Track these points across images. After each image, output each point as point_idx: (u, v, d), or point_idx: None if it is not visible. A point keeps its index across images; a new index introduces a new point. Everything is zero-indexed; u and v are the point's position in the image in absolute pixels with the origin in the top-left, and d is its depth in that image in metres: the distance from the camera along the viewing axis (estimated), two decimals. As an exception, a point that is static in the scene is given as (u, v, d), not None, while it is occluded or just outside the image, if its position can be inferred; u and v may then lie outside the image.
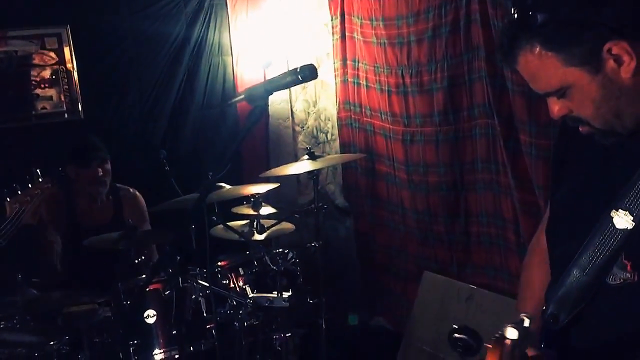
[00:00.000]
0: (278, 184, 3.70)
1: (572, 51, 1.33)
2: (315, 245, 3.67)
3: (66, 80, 4.21)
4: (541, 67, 1.38)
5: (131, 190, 3.93)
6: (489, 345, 1.37)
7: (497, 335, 1.36)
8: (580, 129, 1.46)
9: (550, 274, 1.63)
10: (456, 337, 1.46)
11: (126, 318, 3.18)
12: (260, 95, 1.73)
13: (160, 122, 4.51)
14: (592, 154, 1.52)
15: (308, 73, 1.67)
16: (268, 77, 4.70)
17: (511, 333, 1.35)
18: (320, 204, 3.67)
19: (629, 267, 1.39)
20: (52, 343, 3.04)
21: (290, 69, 1.73)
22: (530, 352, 1.47)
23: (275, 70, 4.73)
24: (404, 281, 4.33)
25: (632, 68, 1.32)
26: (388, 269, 4.49)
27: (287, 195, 4.74)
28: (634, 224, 1.38)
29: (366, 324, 4.60)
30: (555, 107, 1.44)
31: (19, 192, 2.29)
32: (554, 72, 1.37)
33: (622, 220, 1.39)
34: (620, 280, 1.41)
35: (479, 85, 3.41)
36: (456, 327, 1.48)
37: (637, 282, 1.39)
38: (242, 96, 1.75)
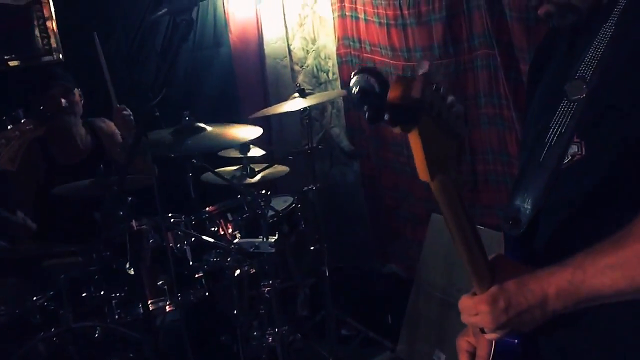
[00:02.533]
0: (261, 131, 3.46)
1: None
2: (312, 188, 3.52)
3: (42, 20, 3.97)
4: None
5: (105, 122, 3.76)
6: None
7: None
8: (538, 12, 1.33)
9: None
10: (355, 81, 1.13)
11: (108, 270, 3.06)
12: (183, 7, 1.57)
13: (148, 65, 4.30)
14: (562, 53, 1.41)
15: None
16: (262, 16, 4.57)
17: (423, 66, 1.10)
18: (316, 145, 3.51)
19: (576, 138, 1.25)
20: (34, 299, 2.94)
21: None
22: None
23: (269, 8, 4.51)
24: (413, 224, 4.20)
25: None
26: (396, 213, 4.35)
27: (290, 139, 4.58)
28: (587, 90, 1.25)
29: (377, 271, 4.48)
30: None
31: None
32: None
33: (575, 90, 1.26)
34: (568, 157, 1.26)
35: (477, 14, 3.27)
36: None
37: (585, 155, 1.25)
38: (165, 9, 1.59)
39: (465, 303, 1.27)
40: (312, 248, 3.56)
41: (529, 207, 1.31)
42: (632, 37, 1.22)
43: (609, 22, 1.26)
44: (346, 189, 4.70)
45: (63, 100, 3.44)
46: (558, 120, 1.28)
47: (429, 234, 3.82)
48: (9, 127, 2.15)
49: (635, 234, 1.13)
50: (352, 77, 1.05)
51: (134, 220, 2.83)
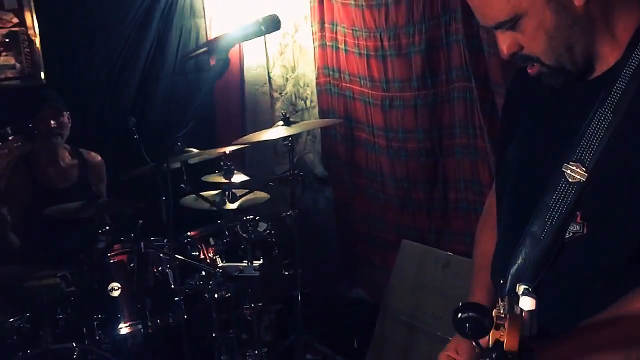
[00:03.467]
0: (247, 145, 3.55)
1: None
2: (290, 214, 3.57)
3: (27, 43, 4.00)
4: None
5: (93, 154, 3.81)
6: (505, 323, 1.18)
7: (502, 310, 1.19)
8: (529, 70, 1.38)
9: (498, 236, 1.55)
10: (463, 318, 1.25)
11: (89, 292, 3.09)
12: (222, 47, 1.63)
13: (129, 88, 4.32)
14: (544, 105, 1.45)
15: (271, 24, 1.60)
16: (244, 43, 4.63)
17: (526, 303, 1.15)
18: (296, 172, 3.57)
19: (578, 218, 1.30)
20: (11, 320, 2.94)
21: (252, 20, 1.62)
22: None
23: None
24: (383, 250, 4.26)
25: None
26: (367, 239, 4.42)
27: (263, 166, 4.63)
28: (586, 175, 1.30)
29: (345, 296, 4.52)
30: (505, 43, 1.35)
31: None
32: None
33: (574, 173, 1.31)
34: (569, 233, 1.31)
35: (456, 48, 3.37)
36: (461, 305, 1.29)
37: (587, 234, 1.30)
38: (204, 49, 1.66)
39: None
40: (286, 273, 3.59)
41: (527, 281, 1.33)
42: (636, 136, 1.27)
43: (606, 109, 1.29)
44: (317, 215, 4.73)
45: (53, 122, 3.47)
46: (558, 201, 1.31)
47: (399, 259, 3.89)
48: None
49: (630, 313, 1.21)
50: (460, 313, 1.10)
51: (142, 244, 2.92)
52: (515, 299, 1.25)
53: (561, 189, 1.32)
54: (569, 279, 1.33)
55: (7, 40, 3.98)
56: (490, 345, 1.08)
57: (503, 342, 1.06)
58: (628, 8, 1.31)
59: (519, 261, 1.36)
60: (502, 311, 1.14)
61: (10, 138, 2.18)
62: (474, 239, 1.82)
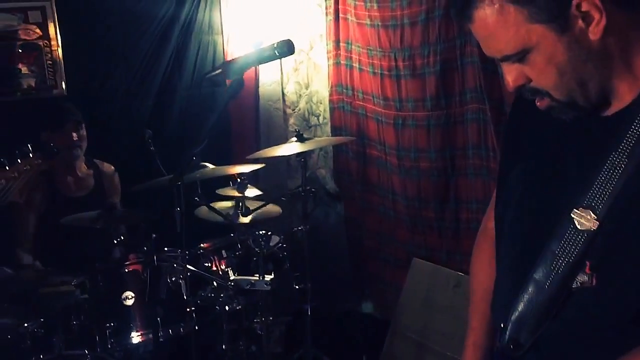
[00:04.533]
0: (263, 165, 3.62)
1: (538, 4, 1.18)
2: (302, 229, 3.61)
3: (50, 55, 4.11)
4: (501, 24, 1.21)
5: (108, 165, 3.89)
6: None
7: None
8: (537, 103, 1.31)
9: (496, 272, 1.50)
10: None
11: (103, 300, 3.12)
12: (237, 69, 1.71)
13: (147, 101, 4.41)
14: (550, 134, 1.38)
15: (285, 49, 1.66)
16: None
17: None
18: (309, 188, 3.62)
19: (587, 269, 1.24)
20: (25, 325, 2.97)
21: (267, 44, 1.69)
22: None
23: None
24: (393, 268, 4.28)
25: (601, 28, 1.18)
26: (377, 256, 4.43)
27: (276, 179, 4.67)
28: (597, 223, 1.23)
29: (354, 311, 4.55)
30: (512, 76, 1.27)
31: (7, 168, 2.17)
32: (515, 30, 1.21)
33: (583, 220, 1.24)
34: (577, 283, 1.25)
35: (470, 70, 3.40)
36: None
37: (595, 285, 1.24)
38: (220, 70, 1.73)
39: None
40: (296, 287, 3.63)
41: (530, 330, 1.30)
42: None
43: (620, 153, 1.22)
44: (328, 230, 4.75)
45: (75, 135, 3.55)
46: (565, 248, 1.25)
47: (409, 277, 3.90)
48: (19, 161, 2.19)
49: None
50: None
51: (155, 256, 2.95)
52: (515, 349, 1.28)
53: (569, 236, 1.25)
54: (575, 330, 1.28)
55: (30, 52, 4.08)
56: None
57: None
58: None
59: (521, 308, 1.31)
60: None
61: (30, 155, 2.22)
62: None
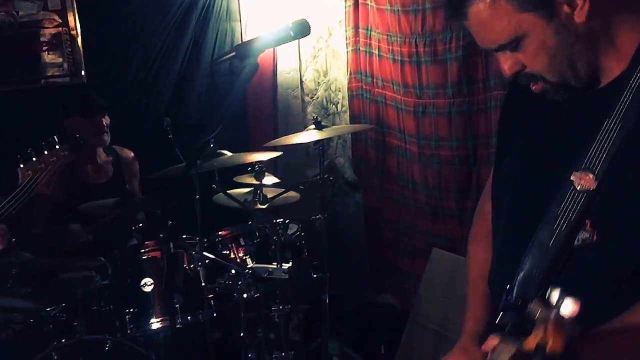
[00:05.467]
0: (281, 153, 3.60)
1: None
2: (320, 218, 3.59)
3: (69, 43, 4.12)
4: (494, 16, 1.31)
5: (128, 151, 3.91)
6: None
7: (537, 313, 1.15)
8: (532, 87, 1.41)
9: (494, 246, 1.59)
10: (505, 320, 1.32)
11: (123, 286, 3.15)
12: (251, 52, 1.64)
13: (165, 89, 4.41)
14: (544, 114, 1.48)
15: (300, 29, 1.61)
16: (278, 47, 4.68)
17: (569, 306, 1.11)
18: (327, 176, 3.59)
19: (588, 226, 1.31)
20: (48, 309, 3.02)
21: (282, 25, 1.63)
22: None
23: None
24: (412, 258, 4.26)
25: (586, 11, 1.28)
26: (396, 245, 4.41)
27: (294, 168, 4.66)
28: (596, 183, 1.31)
29: (373, 301, 4.53)
30: (507, 64, 1.38)
31: (34, 159, 2.18)
32: (507, 21, 1.31)
33: (583, 182, 1.32)
34: (578, 241, 1.32)
35: (494, 56, 3.29)
36: (502, 305, 1.37)
37: (596, 241, 1.31)
38: (233, 53, 1.69)
39: None
40: (314, 276, 3.61)
41: (536, 287, 1.36)
42: None
43: (614, 118, 1.31)
44: (346, 219, 4.75)
45: (104, 121, 3.59)
46: (567, 209, 1.33)
47: (429, 267, 3.86)
48: (45, 153, 2.19)
49: None
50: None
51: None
52: (549, 302, 1.23)
53: (570, 197, 1.33)
54: (578, 285, 1.29)
55: (50, 40, 4.10)
56: (534, 349, 1.07)
57: (545, 344, 1.05)
58: (630, 21, 1.33)
59: (527, 268, 1.38)
60: (538, 314, 1.14)
61: (57, 147, 2.22)
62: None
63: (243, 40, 4.52)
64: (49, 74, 4.14)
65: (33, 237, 3.44)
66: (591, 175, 1.31)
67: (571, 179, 1.33)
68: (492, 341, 1.32)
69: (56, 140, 2.21)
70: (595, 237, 1.30)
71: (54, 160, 2.16)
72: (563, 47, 1.31)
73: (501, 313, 1.40)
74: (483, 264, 1.67)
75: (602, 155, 1.30)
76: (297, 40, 4.54)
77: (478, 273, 1.70)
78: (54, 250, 3.43)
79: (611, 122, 1.31)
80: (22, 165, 2.13)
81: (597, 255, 1.31)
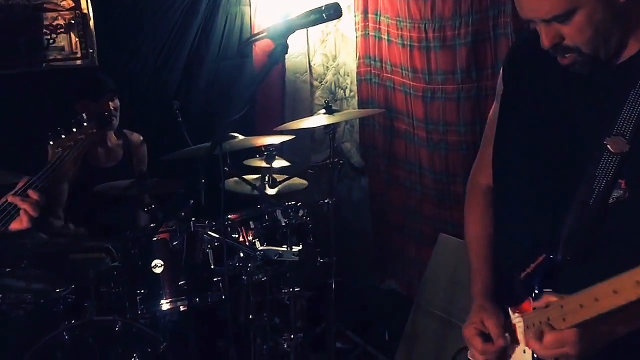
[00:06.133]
0: (293, 136, 3.61)
1: None
2: (327, 202, 3.61)
3: (81, 26, 4.17)
4: None
5: (137, 135, 3.95)
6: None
7: None
8: (562, 60, 1.50)
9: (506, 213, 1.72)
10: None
11: (133, 267, 3.16)
12: (283, 32, 1.70)
13: (175, 72, 4.48)
14: (552, 89, 1.60)
15: (333, 12, 1.66)
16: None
17: None
18: (336, 160, 3.61)
19: (623, 185, 1.46)
20: (58, 290, 3.07)
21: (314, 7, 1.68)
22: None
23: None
24: (418, 243, 4.27)
25: None
26: (402, 231, 4.42)
27: (300, 153, 4.68)
28: (628, 146, 1.44)
29: (377, 287, 4.56)
30: (549, 35, 1.46)
31: (63, 136, 2.17)
32: None
33: (616, 145, 1.45)
34: (613, 199, 1.46)
35: (504, 42, 3.35)
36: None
37: (628, 198, 1.45)
38: (264, 34, 1.74)
39: (553, 337, 1.42)
40: (321, 261, 3.64)
41: (578, 244, 1.50)
42: None
43: (639, 88, 1.44)
44: (351, 204, 4.77)
45: (112, 105, 3.63)
46: (603, 170, 1.46)
47: (435, 252, 3.88)
48: (74, 130, 2.19)
49: None
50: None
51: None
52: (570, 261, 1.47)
53: (605, 160, 1.46)
54: (614, 240, 1.48)
55: (63, 23, 4.16)
56: None
57: None
58: None
59: (569, 226, 1.50)
60: None
61: (85, 124, 2.23)
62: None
63: (252, 25, 4.55)
64: (60, 56, 4.19)
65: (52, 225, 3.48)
66: (623, 140, 1.44)
67: (605, 143, 1.45)
68: (550, 298, 1.46)
69: (84, 117, 2.22)
70: (627, 194, 1.45)
71: (82, 138, 2.17)
72: (605, 23, 1.41)
73: (537, 269, 1.55)
74: (484, 233, 1.82)
75: (631, 122, 1.44)
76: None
77: (481, 242, 1.83)
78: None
79: (637, 92, 1.44)
80: (51, 142, 2.14)
81: (630, 210, 1.45)
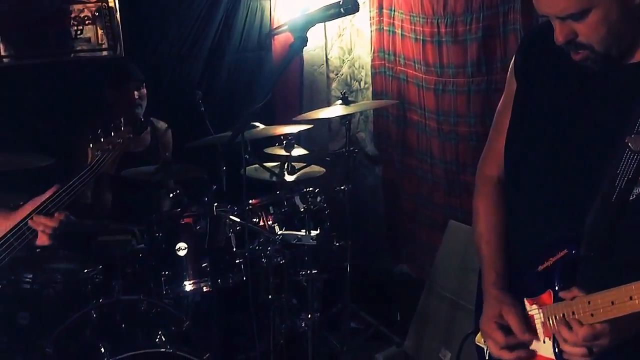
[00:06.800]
0: (311, 125, 3.74)
1: None
2: (344, 189, 3.73)
3: (108, 17, 4.29)
4: None
5: (162, 122, 4.07)
6: None
7: None
8: (574, 56, 1.52)
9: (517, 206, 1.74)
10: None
11: (158, 250, 3.28)
12: (303, 25, 1.76)
13: (197, 63, 4.59)
14: (573, 85, 1.60)
15: (351, 6, 1.70)
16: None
17: None
18: (352, 149, 3.73)
19: None
20: (86, 271, 3.17)
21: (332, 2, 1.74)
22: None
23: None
24: (429, 230, 4.39)
25: None
26: (414, 218, 4.54)
27: (318, 142, 4.79)
28: None
29: (390, 270, 4.67)
30: (564, 32, 1.48)
31: (102, 140, 2.25)
32: None
33: (637, 144, 1.47)
34: (633, 195, 1.49)
35: (513, 37, 3.44)
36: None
37: None
38: (286, 27, 1.80)
39: (587, 331, 1.46)
40: (337, 244, 3.75)
41: (600, 238, 1.53)
42: None
43: None
44: (365, 191, 4.88)
45: (136, 94, 3.75)
46: (625, 168, 1.49)
47: (445, 238, 3.98)
48: (112, 134, 2.27)
49: None
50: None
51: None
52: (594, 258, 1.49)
53: (627, 158, 1.49)
54: (634, 235, 1.51)
55: (90, 14, 4.26)
56: None
57: None
58: None
59: (591, 222, 1.53)
60: None
61: (122, 128, 2.28)
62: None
63: (272, 18, 4.67)
64: (87, 47, 4.31)
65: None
66: None
67: (626, 142, 1.48)
68: (576, 292, 1.51)
69: (122, 122, 2.29)
70: None
71: (120, 142, 2.23)
72: (619, 22, 1.44)
73: (557, 263, 1.58)
74: (495, 224, 1.82)
75: None
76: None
77: (490, 229, 1.83)
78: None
79: None
80: (91, 146, 2.21)
81: None
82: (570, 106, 1.62)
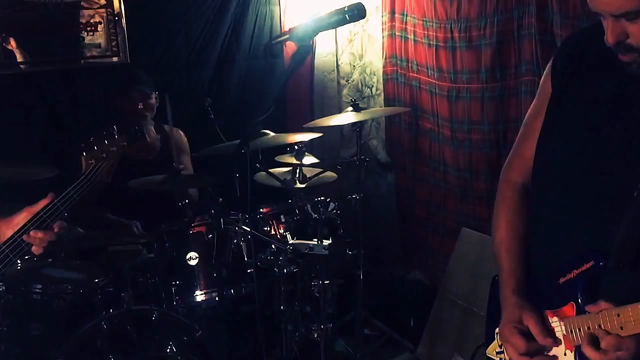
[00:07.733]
0: (321, 134, 3.71)
1: None
2: (356, 197, 3.70)
3: (113, 24, 4.25)
4: None
5: (177, 129, 4.01)
6: None
7: None
8: (622, 56, 1.47)
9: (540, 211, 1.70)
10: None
11: (169, 259, 3.26)
12: (306, 34, 1.72)
13: (206, 70, 4.57)
14: (605, 90, 1.56)
15: (356, 12, 1.66)
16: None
17: None
18: (363, 157, 3.70)
19: None
20: (96, 281, 3.15)
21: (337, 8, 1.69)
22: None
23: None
24: (442, 237, 4.36)
25: None
26: (426, 225, 4.51)
27: (330, 149, 4.77)
28: None
29: (403, 278, 4.64)
30: (615, 32, 1.43)
31: (95, 148, 2.20)
32: None
33: None
34: None
35: (527, 42, 3.40)
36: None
37: None
38: (287, 35, 1.74)
39: (614, 341, 1.42)
40: (350, 252, 3.73)
41: (631, 247, 1.48)
42: None
43: None
44: (378, 199, 4.85)
45: (140, 105, 3.72)
46: None
47: (458, 246, 3.97)
48: (106, 142, 2.22)
49: None
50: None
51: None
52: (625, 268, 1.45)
53: None
54: None
55: (94, 20, 4.23)
56: None
57: None
58: None
59: (624, 232, 1.48)
60: None
61: (116, 136, 2.23)
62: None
63: (282, 24, 4.64)
64: (92, 54, 4.28)
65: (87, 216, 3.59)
66: None
67: None
68: (603, 305, 1.46)
69: (115, 130, 2.26)
70: None
71: (114, 150, 2.19)
72: None
73: (581, 275, 1.54)
74: (518, 230, 1.77)
75: None
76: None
77: (511, 237, 1.79)
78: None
79: None
80: (84, 154, 2.18)
81: None
82: (608, 115, 1.56)
